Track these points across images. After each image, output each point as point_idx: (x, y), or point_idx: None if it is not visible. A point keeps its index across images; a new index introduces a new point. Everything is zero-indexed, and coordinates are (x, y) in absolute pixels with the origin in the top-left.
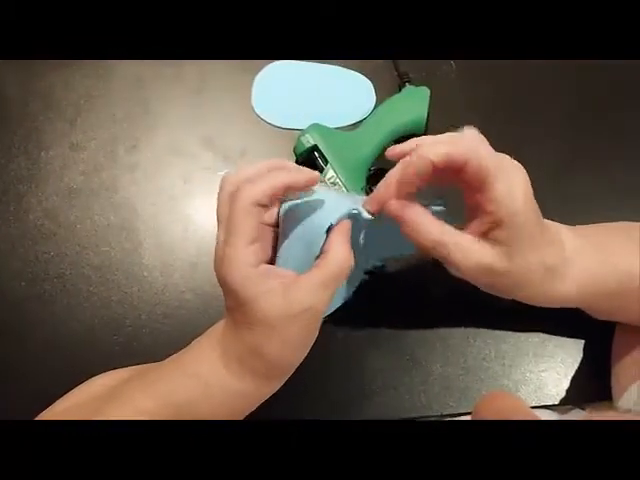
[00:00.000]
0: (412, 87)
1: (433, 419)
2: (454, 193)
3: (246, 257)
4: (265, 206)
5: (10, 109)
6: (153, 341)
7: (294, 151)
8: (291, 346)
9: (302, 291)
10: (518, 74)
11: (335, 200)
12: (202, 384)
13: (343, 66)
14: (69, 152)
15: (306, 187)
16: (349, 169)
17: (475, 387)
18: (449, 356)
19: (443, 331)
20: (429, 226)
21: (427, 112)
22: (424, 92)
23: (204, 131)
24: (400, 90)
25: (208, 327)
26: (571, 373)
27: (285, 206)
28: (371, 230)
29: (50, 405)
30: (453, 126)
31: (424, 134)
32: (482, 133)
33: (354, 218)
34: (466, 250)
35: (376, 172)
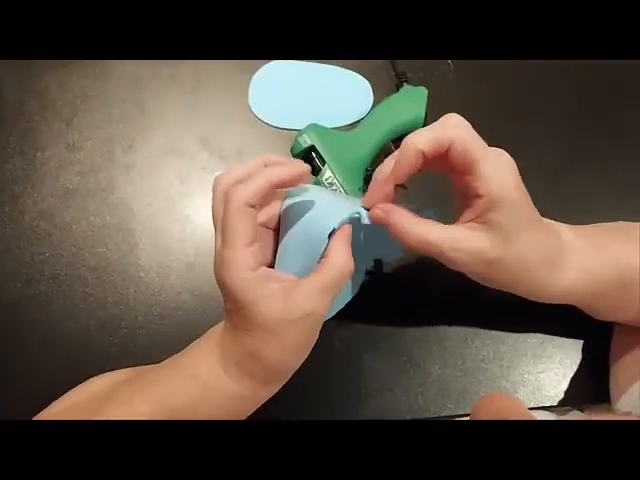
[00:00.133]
0: (410, 87)
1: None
2: (445, 197)
3: (245, 259)
4: (261, 205)
5: (6, 109)
6: (149, 342)
7: (291, 151)
8: (290, 351)
9: (302, 296)
10: (517, 74)
11: (335, 203)
12: (201, 386)
13: (341, 66)
14: (65, 152)
15: (298, 181)
16: (346, 169)
17: (473, 389)
18: (447, 358)
19: (441, 332)
20: (415, 227)
21: (425, 112)
22: (422, 92)
23: (201, 131)
24: (398, 90)
25: (205, 328)
26: (570, 374)
27: (285, 208)
28: (371, 230)
29: (46, 406)
30: None
31: None
32: (481, 133)
33: (354, 221)
34: (459, 240)
35: (374, 172)
